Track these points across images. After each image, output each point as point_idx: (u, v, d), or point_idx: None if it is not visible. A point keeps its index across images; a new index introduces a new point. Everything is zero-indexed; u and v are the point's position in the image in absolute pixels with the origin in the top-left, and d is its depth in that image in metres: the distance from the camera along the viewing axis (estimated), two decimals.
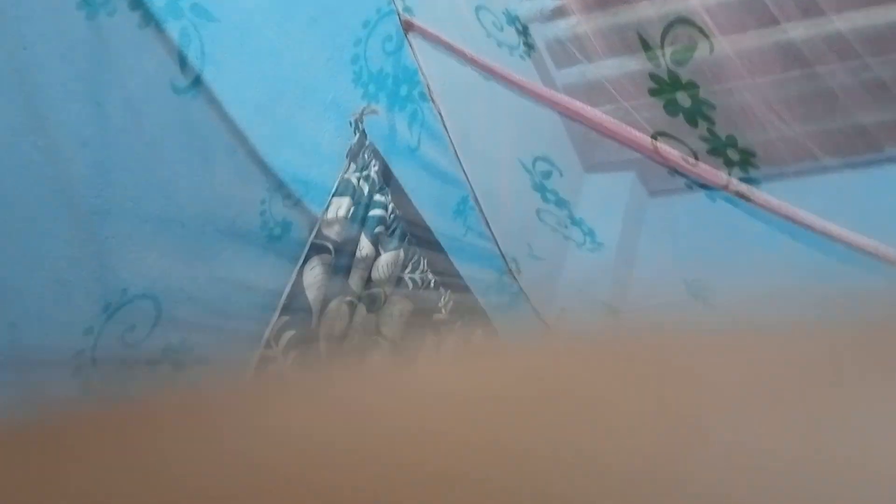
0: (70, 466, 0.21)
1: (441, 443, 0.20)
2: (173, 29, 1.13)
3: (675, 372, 0.22)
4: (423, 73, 1.61)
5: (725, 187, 1.31)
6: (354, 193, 1.53)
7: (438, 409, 0.22)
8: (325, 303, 1.52)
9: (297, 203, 1.44)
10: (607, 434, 0.19)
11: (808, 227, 1.29)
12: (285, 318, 1.46)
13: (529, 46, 1.55)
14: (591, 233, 1.89)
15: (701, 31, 1.16)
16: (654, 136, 1.29)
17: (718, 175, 1.31)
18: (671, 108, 1.25)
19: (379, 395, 0.23)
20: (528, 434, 0.19)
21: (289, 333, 1.46)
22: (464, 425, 0.20)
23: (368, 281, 1.62)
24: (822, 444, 0.18)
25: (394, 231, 1.65)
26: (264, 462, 0.20)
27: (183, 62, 1.16)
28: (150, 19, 1.09)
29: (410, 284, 1.71)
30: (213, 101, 1.22)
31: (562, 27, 1.43)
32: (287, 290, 1.46)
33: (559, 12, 1.42)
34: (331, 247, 1.51)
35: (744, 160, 1.28)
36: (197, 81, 1.19)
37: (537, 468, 0.18)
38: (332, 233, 1.51)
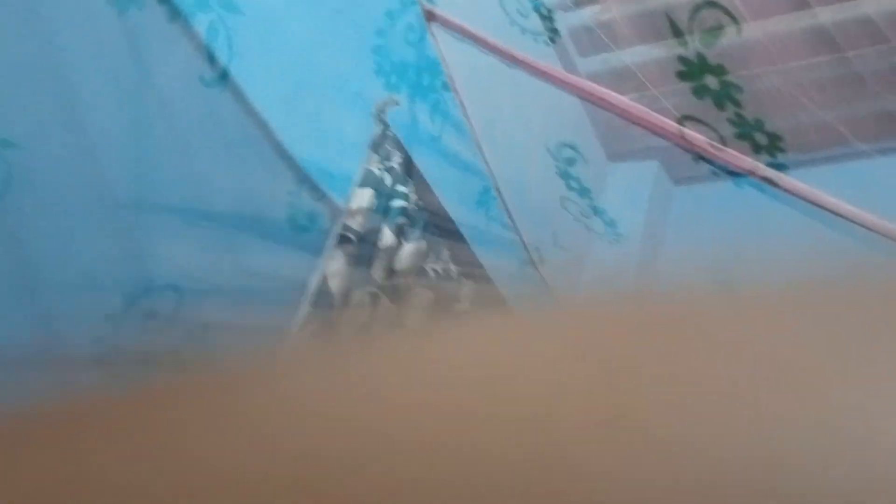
0: (91, 451, 0.21)
1: (457, 419, 0.20)
2: (201, 22, 1.14)
3: (695, 341, 0.22)
4: (445, 63, 1.60)
5: (752, 172, 1.30)
6: (377, 184, 1.53)
7: (456, 384, 0.21)
8: (347, 293, 1.52)
9: (322, 195, 1.44)
10: (628, 406, 0.19)
11: (837, 213, 1.28)
12: (308, 308, 1.46)
13: (554, 32, 1.54)
14: (612, 223, 1.89)
15: (729, 14, 1.15)
16: (680, 121, 1.28)
17: (745, 160, 1.30)
18: (699, 91, 1.24)
19: (397, 373, 0.23)
20: (545, 408, 0.19)
21: (312, 324, 1.47)
22: (481, 400, 0.20)
23: (391, 271, 1.62)
24: (841, 418, 0.18)
25: (416, 222, 1.65)
26: (284, 442, 0.20)
27: (211, 56, 1.16)
28: (178, 13, 1.10)
29: (433, 275, 1.71)
30: (239, 94, 1.23)
31: (588, 14, 1.42)
32: (309, 280, 1.46)
33: None
34: (354, 237, 1.51)
35: (772, 144, 1.27)
36: (224, 74, 1.19)
37: (558, 441, 0.18)
38: (356, 223, 1.51)
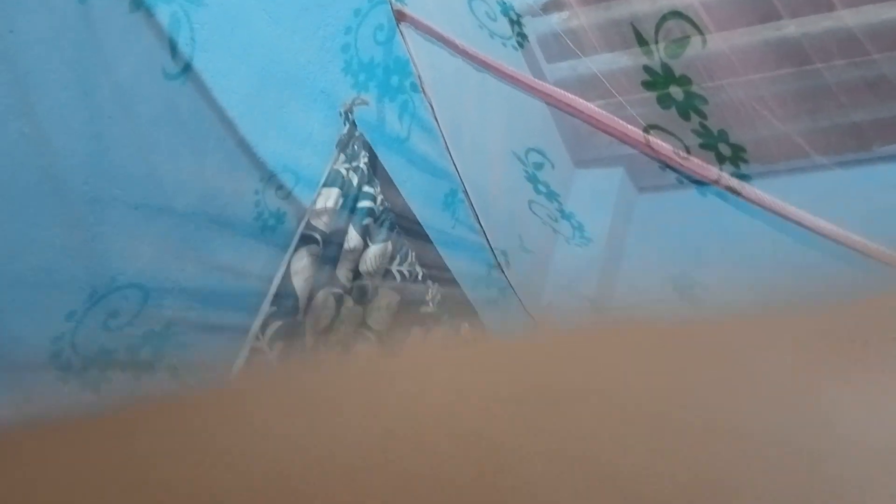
0: (54, 469, 0.21)
1: (426, 439, 0.20)
2: (164, 13, 1.12)
3: (662, 363, 0.22)
4: (414, 64, 1.60)
5: (716, 182, 1.31)
6: (343, 184, 1.52)
7: (423, 405, 0.21)
8: (312, 294, 1.51)
9: (288, 194, 1.43)
10: (590, 427, 0.19)
11: (799, 223, 1.30)
12: (272, 308, 1.45)
13: (522, 37, 1.55)
14: (580, 227, 1.90)
15: (695, 25, 1.16)
16: (646, 130, 1.29)
17: (710, 169, 1.31)
18: (664, 101, 1.25)
19: (364, 393, 0.23)
20: (511, 427, 0.19)
21: (275, 324, 1.45)
22: (447, 421, 0.20)
23: (356, 273, 1.61)
24: (806, 429, 0.18)
25: (382, 223, 1.64)
26: (248, 462, 0.20)
27: (173, 48, 1.14)
28: (140, 3, 1.08)
29: (398, 277, 1.70)
30: (203, 89, 1.21)
31: (556, 20, 1.43)
32: (275, 281, 1.45)
33: (554, 5, 1.42)
34: (319, 238, 1.50)
35: (735, 155, 1.29)
36: (187, 67, 1.17)
37: (521, 461, 0.18)
38: (321, 223, 1.50)
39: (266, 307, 1.43)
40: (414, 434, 0.21)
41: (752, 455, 0.18)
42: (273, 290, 1.44)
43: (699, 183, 1.34)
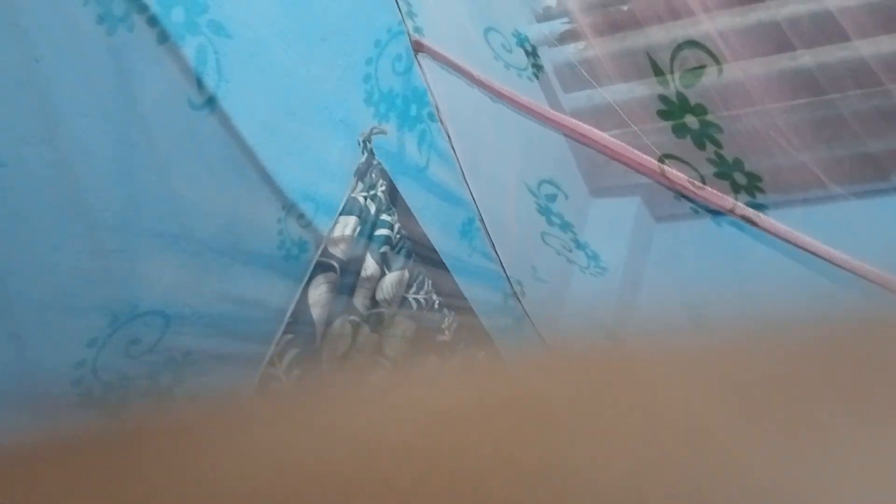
0: (70, 493, 0.21)
1: (437, 465, 0.20)
2: (190, 45, 1.14)
3: (665, 396, 0.22)
4: (431, 94, 1.62)
5: (731, 211, 1.32)
6: (361, 212, 1.54)
7: (435, 431, 0.22)
8: (328, 322, 1.51)
9: (309, 223, 1.45)
10: (598, 455, 0.19)
11: (814, 253, 1.30)
12: (289, 336, 1.45)
13: (538, 68, 1.57)
14: (595, 257, 1.90)
15: (711, 54, 1.18)
16: (661, 160, 1.30)
17: (725, 199, 1.32)
18: (679, 130, 1.26)
19: (376, 420, 0.23)
20: (521, 454, 0.20)
21: (293, 352, 1.45)
22: (457, 448, 0.20)
23: (373, 300, 1.62)
24: (812, 471, 0.18)
25: (399, 251, 1.65)
26: (259, 487, 0.20)
27: (199, 79, 1.17)
28: (167, 36, 1.11)
29: (415, 305, 1.71)
30: (227, 119, 1.23)
31: (571, 51, 1.45)
32: (291, 308, 1.46)
33: (570, 35, 1.44)
34: (336, 265, 1.51)
35: (751, 185, 1.29)
36: (212, 99, 1.20)
37: (530, 488, 0.19)
38: (338, 251, 1.51)
39: (282, 335, 1.43)
40: (422, 464, 0.21)
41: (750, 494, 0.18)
42: (287, 317, 1.44)
43: (714, 213, 1.34)
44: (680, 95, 1.22)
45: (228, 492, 0.21)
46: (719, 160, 1.27)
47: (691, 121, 1.24)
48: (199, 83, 1.17)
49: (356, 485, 0.20)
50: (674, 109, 1.24)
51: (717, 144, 1.25)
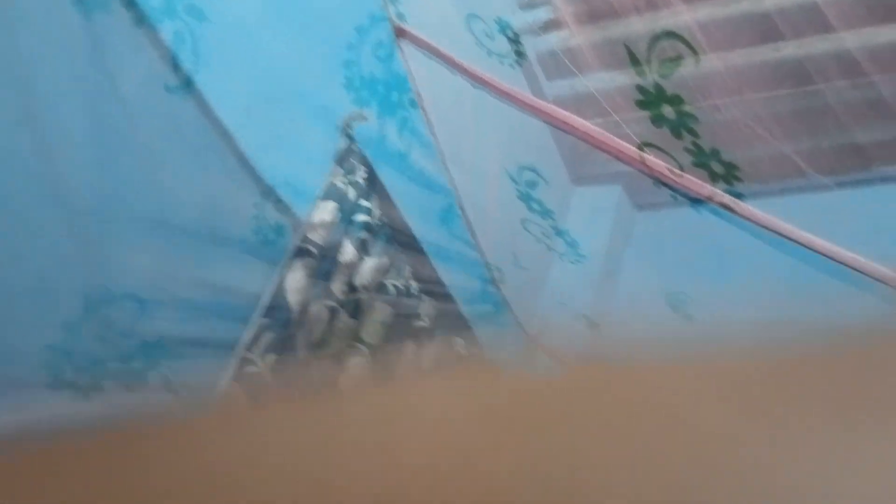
0: (48, 484, 0.21)
1: (417, 467, 0.20)
2: (167, 29, 1.13)
3: (651, 405, 0.22)
4: (412, 80, 1.61)
5: (710, 198, 1.32)
6: (341, 198, 1.53)
7: (414, 432, 0.22)
8: (305, 307, 1.51)
9: (288, 208, 1.44)
10: (580, 457, 0.19)
11: (794, 240, 1.31)
12: (265, 321, 1.45)
13: (521, 56, 1.56)
14: (574, 244, 1.90)
15: (688, 45, 1.18)
16: (640, 147, 1.31)
17: (704, 186, 1.32)
18: (657, 120, 1.27)
19: (357, 419, 0.23)
20: (520, 454, 0.20)
21: (268, 336, 1.45)
22: (437, 449, 0.20)
23: (351, 286, 1.62)
24: (812, 471, 0.18)
25: (379, 237, 1.65)
26: (241, 484, 0.20)
27: (176, 63, 1.16)
28: (144, 19, 1.09)
29: (393, 291, 1.71)
30: (204, 103, 1.22)
31: (554, 39, 1.45)
32: (268, 293, 1.46)
33: (553, 24, 1.44)
34: (315, 251, 1.51)
35: (728, 173, 1.30)
36: (189, 82, 1.19)
37: (531, 488, 0.19)
38: (317, 237, 1.51)
39: (258, 319, 1.43)
40: (402, 465, 0.21)
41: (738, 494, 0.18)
42: (264, 302, 1.44)
43: (694, 200, 1.35)
44: (657, 86, 1.23)
45: (221, 490, 0.21)
46: (696, 150, 1.28)
47: (668, 111, 1.25)
48: (176, 67, 1.16)
49: (356, 485, 0.20)
50: (651, 99, 1.25)
51: (694, 134, 1.26)
